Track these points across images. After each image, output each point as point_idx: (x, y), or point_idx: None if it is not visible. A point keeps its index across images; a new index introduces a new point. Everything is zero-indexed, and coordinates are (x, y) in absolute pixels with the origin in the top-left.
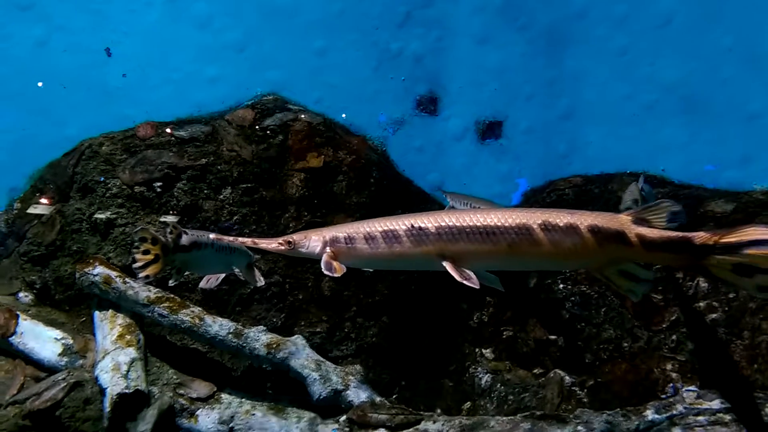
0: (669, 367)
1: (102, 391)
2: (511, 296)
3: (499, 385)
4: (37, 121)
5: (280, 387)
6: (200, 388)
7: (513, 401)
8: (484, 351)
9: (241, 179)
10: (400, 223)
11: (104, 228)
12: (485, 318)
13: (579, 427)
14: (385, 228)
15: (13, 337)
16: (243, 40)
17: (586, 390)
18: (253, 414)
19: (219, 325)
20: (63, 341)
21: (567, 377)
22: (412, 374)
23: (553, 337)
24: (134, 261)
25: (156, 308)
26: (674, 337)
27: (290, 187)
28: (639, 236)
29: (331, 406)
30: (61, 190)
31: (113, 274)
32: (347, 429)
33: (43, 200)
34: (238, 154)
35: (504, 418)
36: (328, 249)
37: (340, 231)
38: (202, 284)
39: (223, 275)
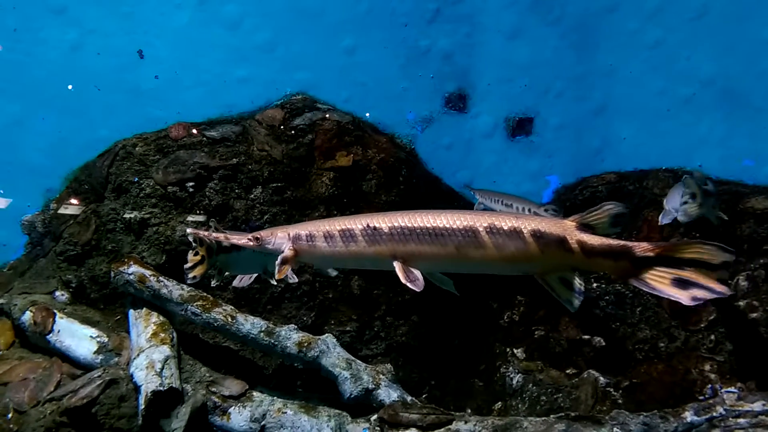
0: (707, 367)
1: (137, 389)
2: (542, 295)
3: (531, 385)
4: (72, 123)
5: (310, 385)
6: (232, 386)
7: (545, 402)
8: (515, 350)
9: (271, 179)
10: (356, 223)
11: (138, 227)
12: (516, 317)
13: (615, 429)
14: (343, 227)
15: (51, 334)
16: (272, 41)
17: (621, 391)
18: (285, 412)
19: (251, 324)
20: (98, 339)
21: (601, 378)
22: (442, 374)
23: (586, 336)
24: (185, 262)
25: (189, 306)
26: (712, 337)
27: (320, 186)
28: (580, 243)
29: (362, 404)
30: (96, 191)
31: (147, 273)
32: (378, 428)
33: (73, 200)
34: (268, 153)
35: (537, 419)
36: (291, 246)
37: (303, 229)
38: (236, 283)
39: (255, 275)
